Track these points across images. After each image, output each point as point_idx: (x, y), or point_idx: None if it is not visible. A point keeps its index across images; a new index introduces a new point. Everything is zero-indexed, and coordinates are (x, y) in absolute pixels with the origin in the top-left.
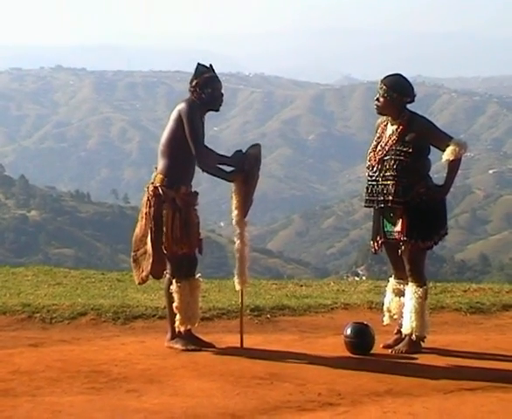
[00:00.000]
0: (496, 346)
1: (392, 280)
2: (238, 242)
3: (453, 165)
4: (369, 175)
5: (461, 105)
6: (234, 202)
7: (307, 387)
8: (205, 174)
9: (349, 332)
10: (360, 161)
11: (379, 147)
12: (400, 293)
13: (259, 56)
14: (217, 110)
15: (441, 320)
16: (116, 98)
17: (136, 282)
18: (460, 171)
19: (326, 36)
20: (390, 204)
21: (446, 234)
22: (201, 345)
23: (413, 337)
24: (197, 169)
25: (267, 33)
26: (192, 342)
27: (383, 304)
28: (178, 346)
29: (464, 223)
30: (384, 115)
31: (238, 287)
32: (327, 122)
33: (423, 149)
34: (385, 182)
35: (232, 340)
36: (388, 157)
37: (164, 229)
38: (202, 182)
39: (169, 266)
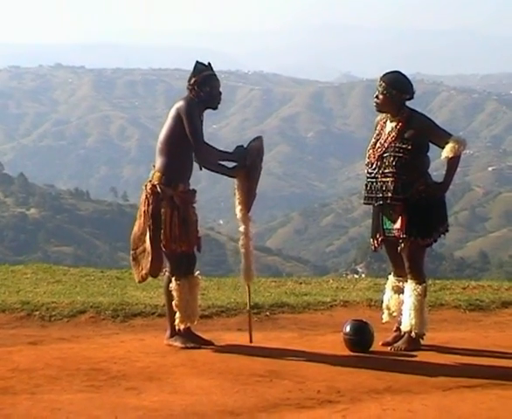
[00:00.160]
0: (495, 343)
1: (391, 278)
2: (242, 237)
3: (453, 162)
4: (368, 172)
5: (460, 102)
6: (237, 197)
7: (307, 384)
8: (206, 171)
9: (348, 329)
10: (359, 158)
11: (378, 145)
12: (399, 291)
13: (258, 53)
14: (216, 108)
15: (440, 318)
16: (115, 96)
17: (136, 280)
18: (459, 168)
19: (325, 33)
20: (389, 201)
21: (447, 231)
22: (200, 343)
23: (412, 334)
24: (195, 167)
25: (266, 31)
26: (191, 340)
27: (382, 301)
28: (177, 343)
29: (463, 220)
30: (383, 112)
31: (244, 283)
32: (326, 120)
33: (422, 146)
34: (384, 179)
35: (231, 338)
36: (387, 154)
37: (163, 227)
38: (201, 179)
39: (168, 264)
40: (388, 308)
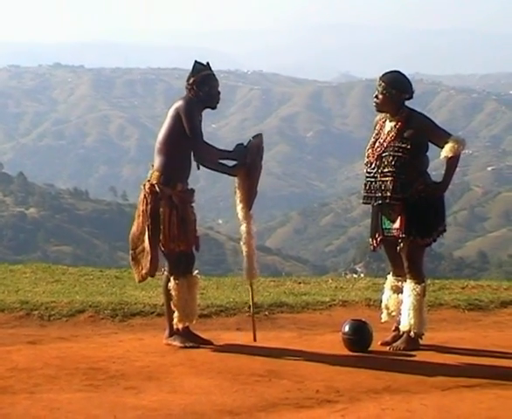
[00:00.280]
0: (494, 343)
1: (390, 277)
2: (244, 236)
3: (452, 162)
4: (367, 172)
5: (460, 102)
6: (238, 195)
7: (306, 384)
8: (205, 170)
9: (347, 329)
10: (358, 158)
11: (377, 144)
12: (398, 290)
13: (257, 53)
14: (215, 108)
15: (439, 317)
16: (114, 95)
17: (136, 280)
18: (458, 168)
19: (324, 33)
20: (388, 201)
21: (445, 231)
22: (199, 342)
23: (411, 334)
24: (194, 167)
25: (266, 30)
26: (190, 339)
27: (381, 301)
28: (176, 343)
29: (462, 220)
30: (382, 112)
31: (247, 281)
32: (325, 119)
33: (421, 146)
34: (384, 179)
35: (230, 338)
36: (386, 154)
37: (161, 226)
38: (200, 179)
39: (166, 264)
40: (387, 308)
